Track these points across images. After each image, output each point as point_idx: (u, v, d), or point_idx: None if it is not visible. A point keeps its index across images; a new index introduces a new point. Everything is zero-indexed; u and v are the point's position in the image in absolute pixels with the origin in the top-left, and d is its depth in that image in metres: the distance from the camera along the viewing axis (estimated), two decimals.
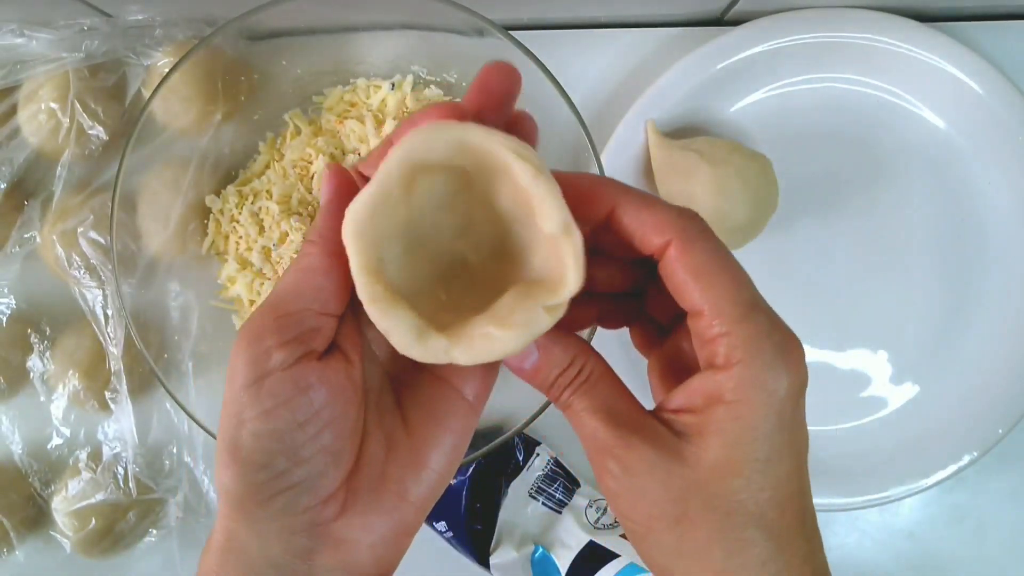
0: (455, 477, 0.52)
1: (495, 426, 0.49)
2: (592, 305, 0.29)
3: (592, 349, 0.27)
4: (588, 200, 0.26)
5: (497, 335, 0.25)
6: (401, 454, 0.27)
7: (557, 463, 0.54)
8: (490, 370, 0.28)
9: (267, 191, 0.50)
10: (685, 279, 0.25)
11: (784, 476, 0.24)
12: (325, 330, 0.25)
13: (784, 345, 0.24)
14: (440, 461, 0.27)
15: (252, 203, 0.50)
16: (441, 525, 0.52)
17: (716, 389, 0.24)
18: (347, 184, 0.26)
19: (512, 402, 0.49)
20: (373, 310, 0.25)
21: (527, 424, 0.45)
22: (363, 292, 0.25)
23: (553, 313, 0.25)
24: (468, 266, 0.28)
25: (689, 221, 0.25)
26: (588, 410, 0.26)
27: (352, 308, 0.26)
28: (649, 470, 0.25)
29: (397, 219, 0.25)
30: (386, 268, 0.25)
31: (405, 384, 0.28)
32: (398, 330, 0.25)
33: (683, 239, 0.25)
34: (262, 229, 0.49)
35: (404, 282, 0.26)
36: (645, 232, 0.25)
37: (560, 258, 0.25)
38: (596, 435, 0.26)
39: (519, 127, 0.28)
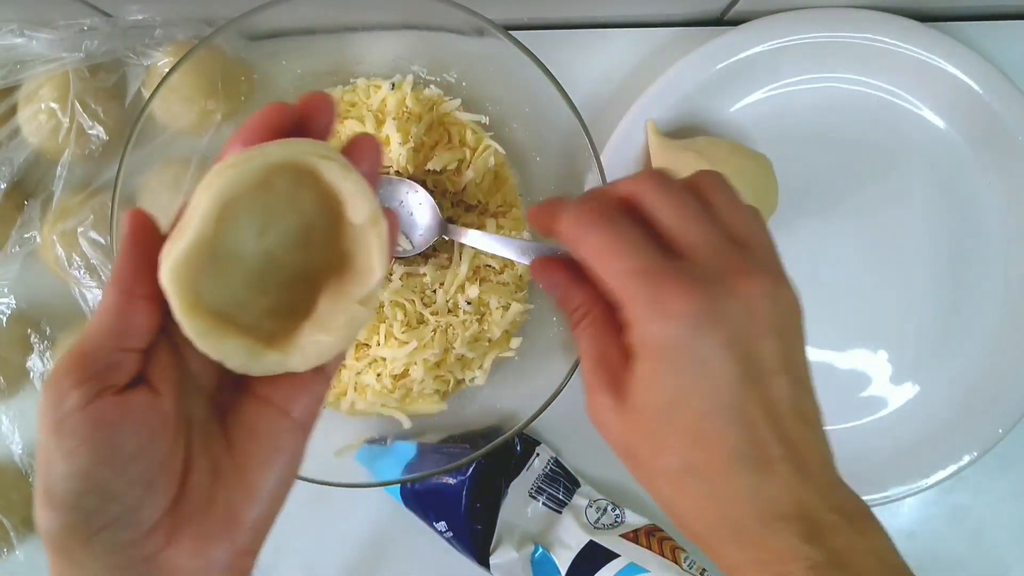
0: (455, 477, 0.52)
1: (495, 426, 0.49)
2: None
3: (599, 298, 0.30)
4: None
5: (325, 340, 0.27)
6: (228, 479, 0.27)
7: (557, 463, 0.54)
8: (313, 389, 0.29)
9: None
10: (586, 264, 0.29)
11: (696, 417, 0.27)
12: (126, 365, 0.26)
13: (655, 297, 0.26)
14: (270, 481, 0.27)
15: None
16: (441, 525, 0.52)
17: (630, 346, 0.28)
18: (144, 227, 0.27)
19: (512, 402, 0.49)
20: (203, 345, 0.26)
21: (527, 424, 0.45)
22: (189, 330, 0.26)
23: (368, 303, 0.28)
24: (278, 261, 0.28)
25: (568, 225, 0.29)
26: (585, 350, 0.30)
27: (169, 341, 0.27)
28: (607, 412, 0.29)
29: (208, 247, 0.26)
30: (204, 294, 0.26)
31: (230, 410, 0.28)
32: (233, 357, 0.26)
33: (569, 241, 0.29)
34: None
35: (223, 299, 0.27)
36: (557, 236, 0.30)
37: (367, 247, 0.27)
38: (584, 373, 0.30)
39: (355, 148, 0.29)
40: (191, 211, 0.26)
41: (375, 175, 0.29)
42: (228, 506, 0.27)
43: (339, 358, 0.29)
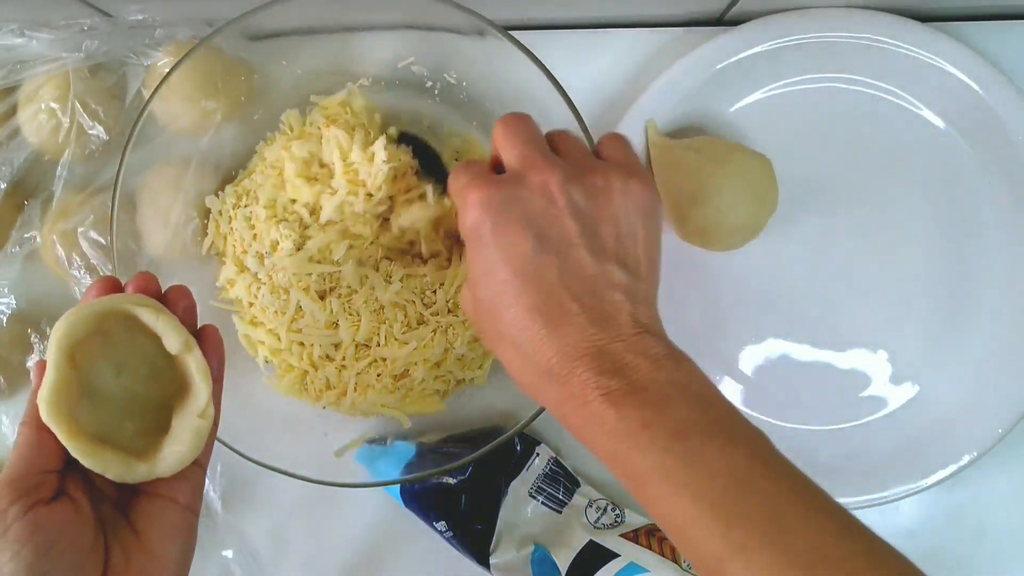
0: (455, 477, 0.52)
1: (495, 426, 0.49)
2: None
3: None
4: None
5: (180, 450, 0.35)
6: (139, 557, 0.34)
7: (557, 463, 0.54)
8: (191, 479, 0.37)
9: (254, 194, 0.50)
10: None
11: (501, 283, 0.34)
12: (48, 483, 0.33)
13: (462, 196, 0.35)
14: (174, 552, 0.35)
15: (244, 206, 0.50)
16: (441, 525, 0.52)
17: None
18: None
19: (512, 402, 0.49)
20: (86, 462, 0.33)
21: (527, 424, 0.45)
22: (74, 451, 0.33)
23: (206, 415, 0.36)
24: (136, 394, 0.37)
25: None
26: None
27: (75, 465, 0.34)
28: (464, 293, 0.38)
29: (75, 387, 0.34)
30: (83, 423, 0.34)
31: (131, 507, 0.36)
32: (111, 469, 0.34)
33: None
34: (256, 234, 0.49)
35: (100, 425, 0.35)
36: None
37: (190, 371, 0.36)
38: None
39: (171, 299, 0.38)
40: (47, 358, 0.34)
41: (192, 311, 0.38)
42: None
43: (208, 453, 0.38)
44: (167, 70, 0.45)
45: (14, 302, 0.54)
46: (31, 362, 0.54)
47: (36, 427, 0.33)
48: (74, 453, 0.33)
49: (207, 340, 0.37)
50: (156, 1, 0.52)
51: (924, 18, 0.52)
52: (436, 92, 0.53)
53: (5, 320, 0.54)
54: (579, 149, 0.38)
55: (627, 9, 0.56)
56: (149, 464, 0.35)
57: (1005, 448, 0.51)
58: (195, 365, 0.35)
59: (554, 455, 0.54)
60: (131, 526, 0.35)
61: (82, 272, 0.52)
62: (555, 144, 0.38)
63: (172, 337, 0.35)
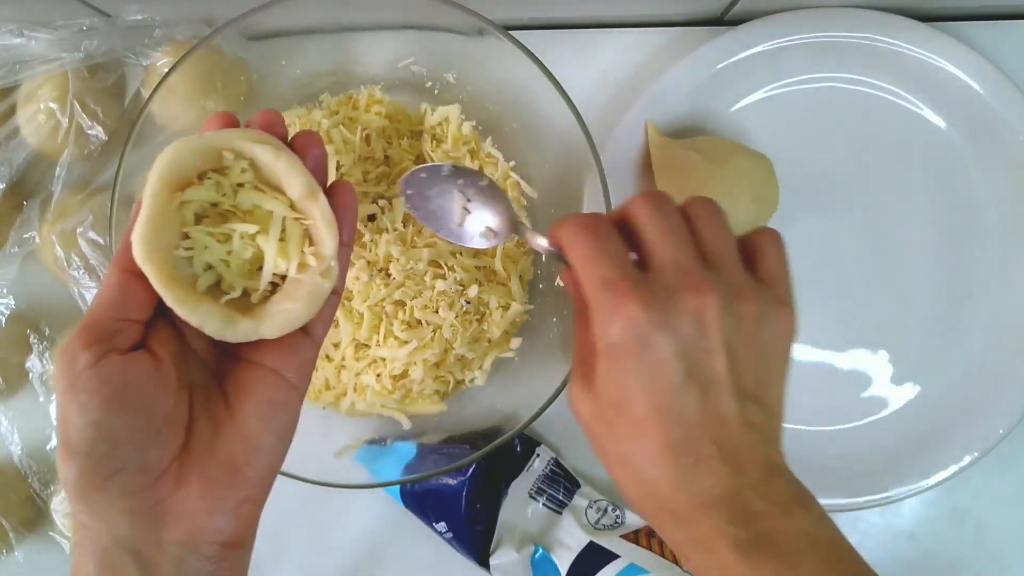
0: (455, 477, 0.52)
1: (495, 427, 0.49)
2: None
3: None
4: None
5: (292, 308, 0.30)
6: (228, 433, 0.30)
7: (557, 464, 0.54)
8: (301, 352, 0.32)
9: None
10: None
11: (638, 415, 0.30)
12: (128, 332, 0.29)
13: (612, 305, 0.29)
14: (267, 435, 0.31)
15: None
16: (441, 525, 0.52)
17: (595, 344, 0.31)
18: None
19: (512, 403, 0.49)
20: (181, 311, 0.29)
21: (527, 424, 0.45)
22: (168, 299, 0.29)
23: (328, 275, 0.30)
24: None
25: (563, 233, 0.32)
26: (576, 342, 0.33)
27: (169, 320, 0.31)
28: (579, 398, 0.32)
29: (175, 230, 0.30)
30: (182, 272, 0.30)
31: (227, 375, 0.32)
32: (209, 321, 0.29)
33: (563, 248, 0.32)
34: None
35: (195, 280, 0.31)
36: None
37: (314, 221, 0.30)
38: (572, 361, 0.33)
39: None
40: (145, 190, 0.29)
41: (322, 162, 0.33)
42: (229, 456, 0.30)
43: (324, 327, 0.33)
44: (166, 70, 0.45)
45: (13, 302, 0.54)
46: (30, 362, 0.54)
47: (123, 269, 0.30)
48: (167, 300, 0.29)
49: (339, 194, 0.32)
50: (155, 1, 0.52)
51: (924, 18, 0.52)
52: (436, 92, 0.53)
53: (4, 320, 0.54)
54: (729, 249, 0.32)
55: (627, 9, 0.56)
56: (254, 321, 0.30)
57: (1006, 448, 0.51)
58: (320, 215, 0.30)
59: (554, 456, 0.54)
60: (225, 399, 0.31)
61: (81, 272, 0.51)
62: (700, 231, 0.32)
63: (295, 180, 0.30)
